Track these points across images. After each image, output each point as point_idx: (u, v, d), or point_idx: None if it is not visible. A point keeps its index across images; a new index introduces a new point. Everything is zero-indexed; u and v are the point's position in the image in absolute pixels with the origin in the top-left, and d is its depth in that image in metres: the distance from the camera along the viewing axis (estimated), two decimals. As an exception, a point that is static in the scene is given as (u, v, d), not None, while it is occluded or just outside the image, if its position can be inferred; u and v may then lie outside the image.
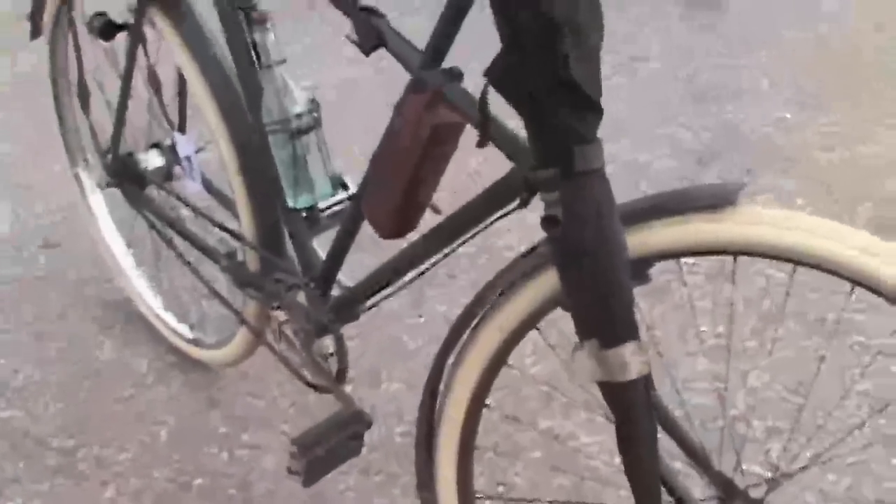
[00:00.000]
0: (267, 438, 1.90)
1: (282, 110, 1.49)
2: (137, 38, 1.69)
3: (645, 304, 2.10)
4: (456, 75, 1.12)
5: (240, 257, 1.70)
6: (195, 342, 2.06)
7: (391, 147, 1.18)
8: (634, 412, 1.02)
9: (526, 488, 1.74)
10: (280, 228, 1.63)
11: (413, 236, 1.26)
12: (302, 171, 1.52)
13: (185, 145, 1.78)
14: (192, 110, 1.73)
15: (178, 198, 1.84)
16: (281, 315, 1.63)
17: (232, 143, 1.61)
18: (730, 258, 0.99)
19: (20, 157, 3.01)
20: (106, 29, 1.75)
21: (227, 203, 1.80)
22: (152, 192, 1.93)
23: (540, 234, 1.00)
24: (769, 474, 1.68)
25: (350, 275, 1.50)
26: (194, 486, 1.81)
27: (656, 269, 1.06)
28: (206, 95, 1.61)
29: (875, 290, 0.91)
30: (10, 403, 2.05)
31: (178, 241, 1.86)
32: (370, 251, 1.65)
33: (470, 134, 1.04)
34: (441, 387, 1.22)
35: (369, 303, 1.44)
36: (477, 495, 1.34)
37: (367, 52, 1.24)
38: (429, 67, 1.13)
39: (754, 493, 1.22)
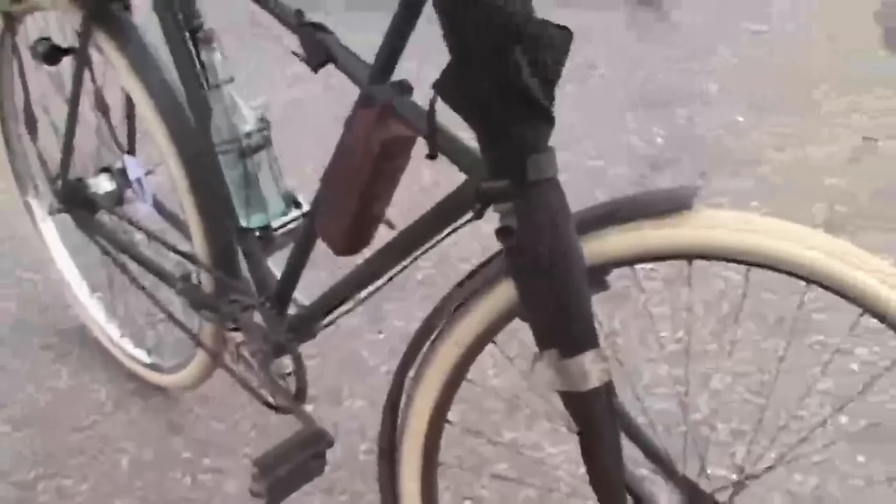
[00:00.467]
0: (229, 462, 1.88)
1: (231, 129, 1.47)
2: (83, 62, 1.67)
3: (604, 311, 2.09)
4: (405, 88, 1.11)
5: (194, 279, 1.68)
6: (153, 367, 2.04)
7: (342, 163, 1.17)
8: (597, 421, 1.02)
9: (493, 501, 1.73)
10: (234, 249, 1.61)
11: (368, 252, 1.25)
12: (254, 190, 1.50)
13: (135, 168, 1.76)
14: (141, 132, 1.71)
15: (130, 222, 1.81)
16: (238, 336, 1.61)
17: (182, 163, 1.59)
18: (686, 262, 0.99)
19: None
20: (51, 53, 1.73)
21: (180, 225, 1.78)
22: (104, 217, 1.90)
23: (496, 246, 1.00)
24: (734, 477, 1.68)
25: (306, 293, 1.49)
26: (157, 514, 1.79)
27: (614, 276, 1.05)
28: (154, 117, 1.59)
29: (836, 290, 0.91)
30: (-34, 437, 2.01)
31: (132, 265, 1.84)
32: (325, 268, 1.64)
33: (423, 147, 1.03)
34: (402, 402, 1.21)
35: (326, 320, 1.42)
36: (443, 511, 1.33)
37: (315, 69, 1.23)
38: (378, 82, 1.12)
39: (720, 497, 1.21)
